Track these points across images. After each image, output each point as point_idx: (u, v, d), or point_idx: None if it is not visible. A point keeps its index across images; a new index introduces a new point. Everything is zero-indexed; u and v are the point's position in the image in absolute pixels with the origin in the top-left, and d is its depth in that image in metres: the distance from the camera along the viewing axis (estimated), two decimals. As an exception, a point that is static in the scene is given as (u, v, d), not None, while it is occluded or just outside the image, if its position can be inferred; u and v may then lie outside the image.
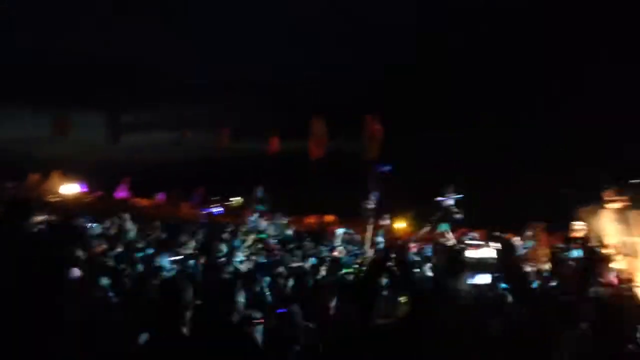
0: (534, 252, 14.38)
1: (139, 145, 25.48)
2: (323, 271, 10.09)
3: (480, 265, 10.08)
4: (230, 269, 9.43)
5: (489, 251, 8.58)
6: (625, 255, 13.94)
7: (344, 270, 10.08)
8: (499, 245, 9.54)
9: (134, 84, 23.61)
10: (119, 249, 10.10)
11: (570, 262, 11.76)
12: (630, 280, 12.35)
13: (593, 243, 12.34)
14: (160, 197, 21.57)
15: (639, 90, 16.67)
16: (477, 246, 11.11)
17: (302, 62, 22.11)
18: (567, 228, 14.50)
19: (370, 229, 13.43)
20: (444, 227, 15.09)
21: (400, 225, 17.29)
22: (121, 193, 21.80)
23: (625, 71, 17.32)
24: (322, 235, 14.76)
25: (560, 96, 19.25)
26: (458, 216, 15.30)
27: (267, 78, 23.23)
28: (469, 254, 8.89)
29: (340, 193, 18.32)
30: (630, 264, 13.86)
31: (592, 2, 19.16)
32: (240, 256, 10.50)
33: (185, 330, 3.85)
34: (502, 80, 20.09)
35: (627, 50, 18.00)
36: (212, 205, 19.70)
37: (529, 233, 14.73)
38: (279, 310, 6.15)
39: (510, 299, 5.49)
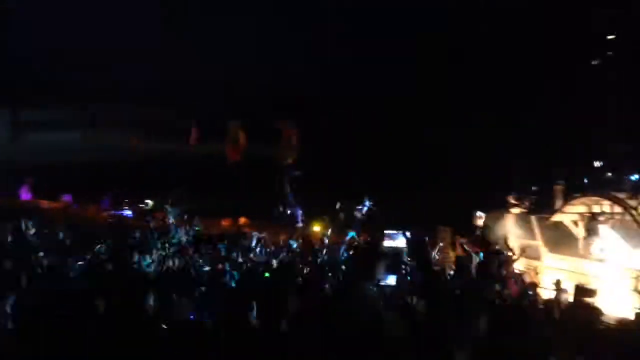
0: (442, 255, 14.94)
1: (43, 145, 24.17)
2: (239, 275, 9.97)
3: (395, 256, 10.45)
4: (141, 272, 9.16)
5: (403, 241, 8.84)
6: (527, 257, 14.80)
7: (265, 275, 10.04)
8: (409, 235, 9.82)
9: (37, 80, 22.41)
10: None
11: (473, 265, 12.29)
12: (532, 283, 13.12)
13: (495, 247, 12.97)
14: (66, 199, 20.57)
15: (547, 100, 17.64)
16: (392, 236, 11.43)
17: (220, 64, 21.86)
18: (473, 232, 15.24)
19: (284, 232, 13.51)
20: (351, 234, 15.50)
21: (315, 228, 17.46)
22: (24, 195, 20.62)
23: (538, 79, 18.21)
24: (238, 239, 14.59)
25: (469, 105, 20.06)
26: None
27: (184, 80, 22.79)
28: (385, 243, 9.25)
29: (256, 197, 18.24)
30: (531, 266, 14.74)
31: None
32: (149, 260, 10.20)
33: (94, 334, 3.68)
34: (417, 84, 20.71)
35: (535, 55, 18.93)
36: (123, 208, 19.04)
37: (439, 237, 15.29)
38: (191, 316, 6.05)
39: (415, 299, 5.67)
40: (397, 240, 14.33)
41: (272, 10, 22.68)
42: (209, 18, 23.01)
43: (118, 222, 16.51)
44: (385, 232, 13.67)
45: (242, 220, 18.45)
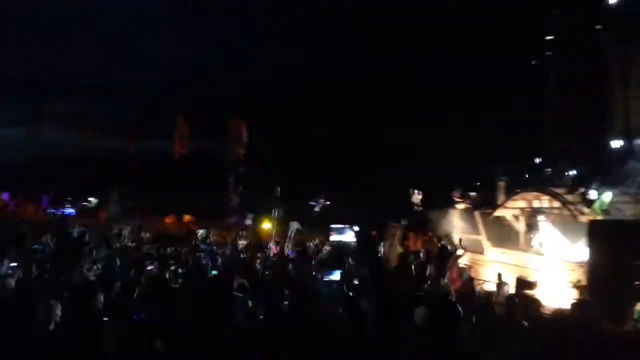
0: (389, 250, 15.11)
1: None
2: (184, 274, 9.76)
3: (343, 250, 10.49)
4: (82, 272, 8.83)
5: (351, 235, 8.84)
6: (470, 252, 15.14)
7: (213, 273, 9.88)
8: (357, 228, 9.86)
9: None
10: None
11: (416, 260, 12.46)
12: (472, 277, 13.39)
13: (439, 241, 13.17)
14: (4, 197, 19.77)
15: (490, 99, 18.06)
16: (339, 231, 11.44)
17: (165, 61, 21.51)
18: (420, 228, 15.46)
19: (231, 230, 13.36)
20: (294, 225, 15.50)
21: (264, 226, 17.36)
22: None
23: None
24: (184, 237, 14.33)
25: (419, 105, 20.34)
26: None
27: (130, 78, 22.28)
28: (333, 237, 9.27)
29: (202, 193, 17.98)
30: (475, 260, 15.08)
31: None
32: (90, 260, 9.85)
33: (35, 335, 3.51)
34: (359, 84, 20.89)
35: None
36: (65, 206, 18.47)
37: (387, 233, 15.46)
38: (134, 316, 5.87)
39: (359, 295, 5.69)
40: (345, 235, 14.41)
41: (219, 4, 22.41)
42: (157, 13, 22.54)
43: (59, 221, 15.96)
44: (333, 226, 13.74)
45: (187, 217, 18.16)
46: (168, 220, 18.01)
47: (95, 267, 9.88)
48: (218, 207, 15.19)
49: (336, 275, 6.93)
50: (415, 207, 15.46)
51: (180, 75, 21.23)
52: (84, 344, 4.83)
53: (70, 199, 19.18)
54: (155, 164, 20.41)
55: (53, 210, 17.62)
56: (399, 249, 15.15)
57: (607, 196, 11.56)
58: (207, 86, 21.39)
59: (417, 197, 15.69)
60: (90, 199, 18.30)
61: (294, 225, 14.72)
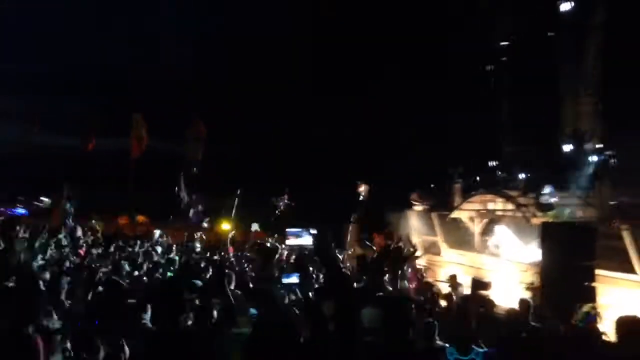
0: (349, 251, 15.17)
1: None
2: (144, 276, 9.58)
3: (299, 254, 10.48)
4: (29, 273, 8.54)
5: (308, 239, 8.81)
6: (427, 253, 15.37)
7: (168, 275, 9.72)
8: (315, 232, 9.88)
9: None
10: None
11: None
12: (429, 278, 13.59)
13: (396, 242, 13.30)
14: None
15: (443, 102, 18.29)
16: (297, 234, 11.44)
17: (123, 59, 21.07)
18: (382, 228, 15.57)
19: (185, 231, 13.27)
20: (254, 226, 15.47)
21: (224, 227, 17.22)
22: None
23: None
24: (140, 238, 14.04)
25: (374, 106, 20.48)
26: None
27: (85, 74, 21.76)
28: (289, 242, 9.23)
29: (158, 194, 17.68)
30: (432, 261, 15.32)
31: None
32: (39, 261, 9.56)
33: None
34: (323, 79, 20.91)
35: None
36: (15, 206, 17.86)
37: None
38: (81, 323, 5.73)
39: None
40: (302, 238, 14.38)
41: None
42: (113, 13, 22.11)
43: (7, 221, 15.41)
44: (289, 230, 13.65)
45: (141, 218, 17.77)
46: (121, 220, 17.56)
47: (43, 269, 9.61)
48: (173, 208, 14.99)
49: (294, 279, 6.94)
50: (362, 198, 15.60)
51: (138, 71, 20.79)
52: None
53: (22, 198, 18.56)
54: (111, 163, 19.98)
55: (2, 210, 17.01)
56: (357, 250, 15.25)
57: (565, 211, 11.89)
58: (164, 84, 21.00)
59: (363, 188, 15.80)
60: (43, 198, 17.74)
61: (254, 227, 14.68)
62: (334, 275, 4.17)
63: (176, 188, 14.72)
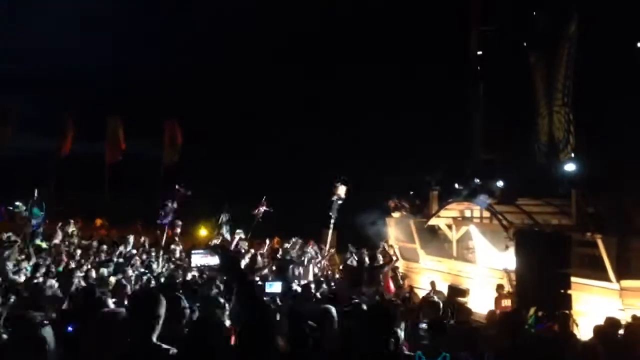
0: (331, 258, 15.20)
1: None
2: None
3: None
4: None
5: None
6: (405, 259, 15.43)
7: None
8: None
9: None
10: None
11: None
12: (408, 286, 13.68)
13: (375, 249, 13.36)
14: None
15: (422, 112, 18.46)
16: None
17: (99, 62, 20.89)
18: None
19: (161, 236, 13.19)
20: (225, 229, 15.42)
21: (201, 232, 17.12)
22: None
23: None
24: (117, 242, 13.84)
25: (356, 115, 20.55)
26: None
27: (60, 76, 21.47)
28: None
29: (133, 198, 17.49)
30: (410, 268, 15.39)
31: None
32: (10, 266, 9.42)
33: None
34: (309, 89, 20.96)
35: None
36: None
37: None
38: (68, 328, 5.65)
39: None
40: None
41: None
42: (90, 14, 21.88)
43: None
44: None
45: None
46: (98, 223, 17.29)
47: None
48: (150, 212, 14.80)
49: (277, 287, 6.92)
50: (337, 198, 15.59)
51: (115, 74, 20.61)
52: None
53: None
54: (86, 166, 19.71)
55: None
56: (338, 257, 15.29)
57: None
58: (141, 86, 20.83)
59: (340, 189, 15.78)
60: (17, 203, 17.34)
61: (239, 234, 14.58)
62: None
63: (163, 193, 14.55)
